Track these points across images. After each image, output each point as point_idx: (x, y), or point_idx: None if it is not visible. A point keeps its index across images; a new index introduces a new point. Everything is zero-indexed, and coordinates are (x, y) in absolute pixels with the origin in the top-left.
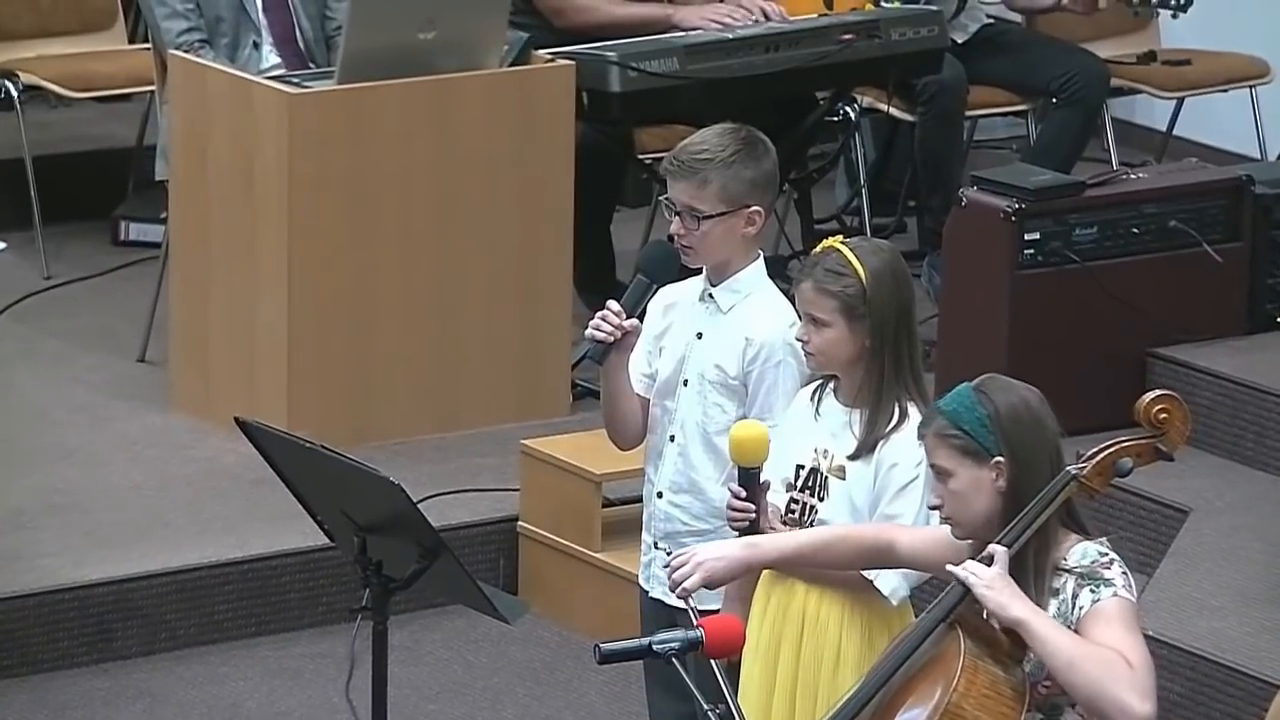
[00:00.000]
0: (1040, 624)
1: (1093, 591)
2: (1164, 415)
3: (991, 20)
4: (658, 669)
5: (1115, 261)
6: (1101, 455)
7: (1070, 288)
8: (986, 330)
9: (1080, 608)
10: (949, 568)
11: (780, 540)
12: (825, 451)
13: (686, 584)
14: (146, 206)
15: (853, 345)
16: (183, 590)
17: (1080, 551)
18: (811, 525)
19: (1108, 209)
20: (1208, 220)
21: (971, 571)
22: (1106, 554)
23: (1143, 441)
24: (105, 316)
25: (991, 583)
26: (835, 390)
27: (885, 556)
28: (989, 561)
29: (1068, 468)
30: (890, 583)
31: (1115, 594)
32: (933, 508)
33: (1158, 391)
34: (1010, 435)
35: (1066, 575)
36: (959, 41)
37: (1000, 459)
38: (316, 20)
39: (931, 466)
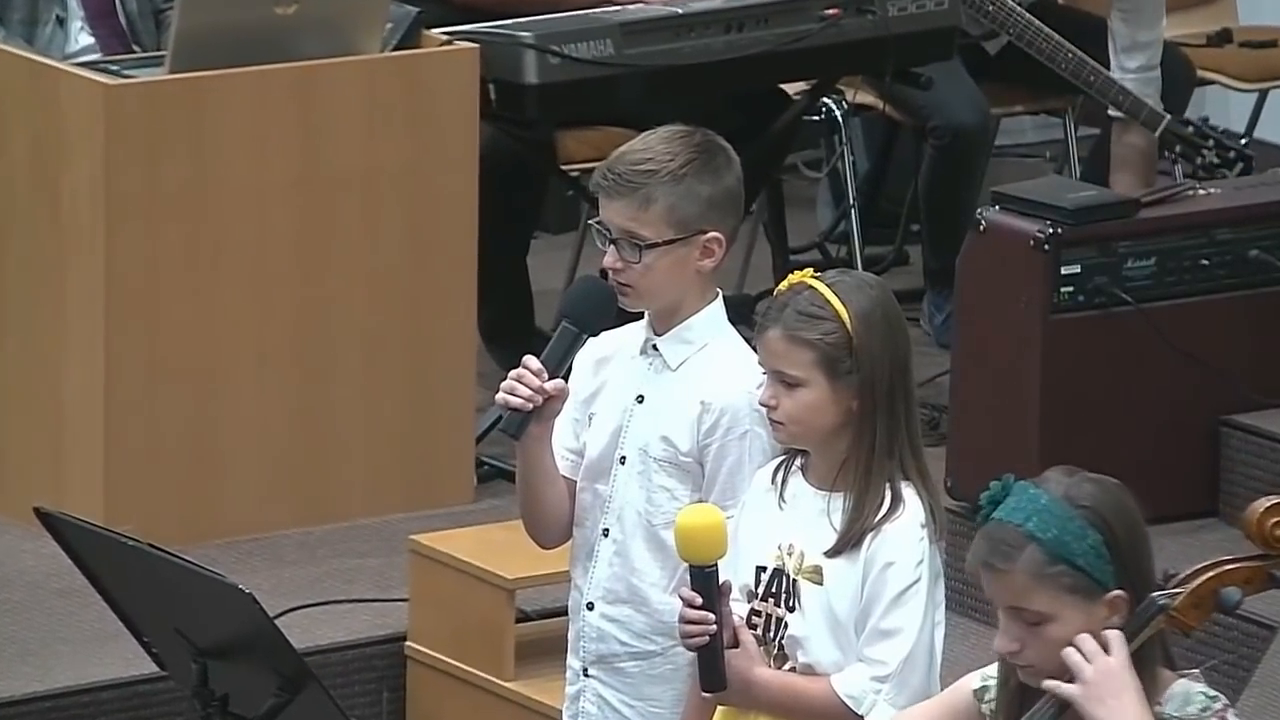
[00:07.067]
0: None
1: None
2: None
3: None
4: None
5: (1178, 303)
6: (1199, 581)
7: (1120, 336)
8: (1012, 391)
9: None
10: (1047, 684)
11: None
12: (791, 548)
13: None
14: None
15: (835, 410)
16: None
17: (1182, 696)
18: (781, 642)
19: (1168, 235)
20: None
21: (1077, 661)
22: (1216, 697)
23: (1253, 564)
24: None
25: (1096, 678)
26: (804, 469)
27: None
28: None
29: (1154, 596)
30: (883, 714)
31: None
32: (1005, 653)
33: (1275, 499)
34: (1130, 562)
35: None
36: (991, 54)
37: (1119, 593)
38: None
39: (1011, 609)
